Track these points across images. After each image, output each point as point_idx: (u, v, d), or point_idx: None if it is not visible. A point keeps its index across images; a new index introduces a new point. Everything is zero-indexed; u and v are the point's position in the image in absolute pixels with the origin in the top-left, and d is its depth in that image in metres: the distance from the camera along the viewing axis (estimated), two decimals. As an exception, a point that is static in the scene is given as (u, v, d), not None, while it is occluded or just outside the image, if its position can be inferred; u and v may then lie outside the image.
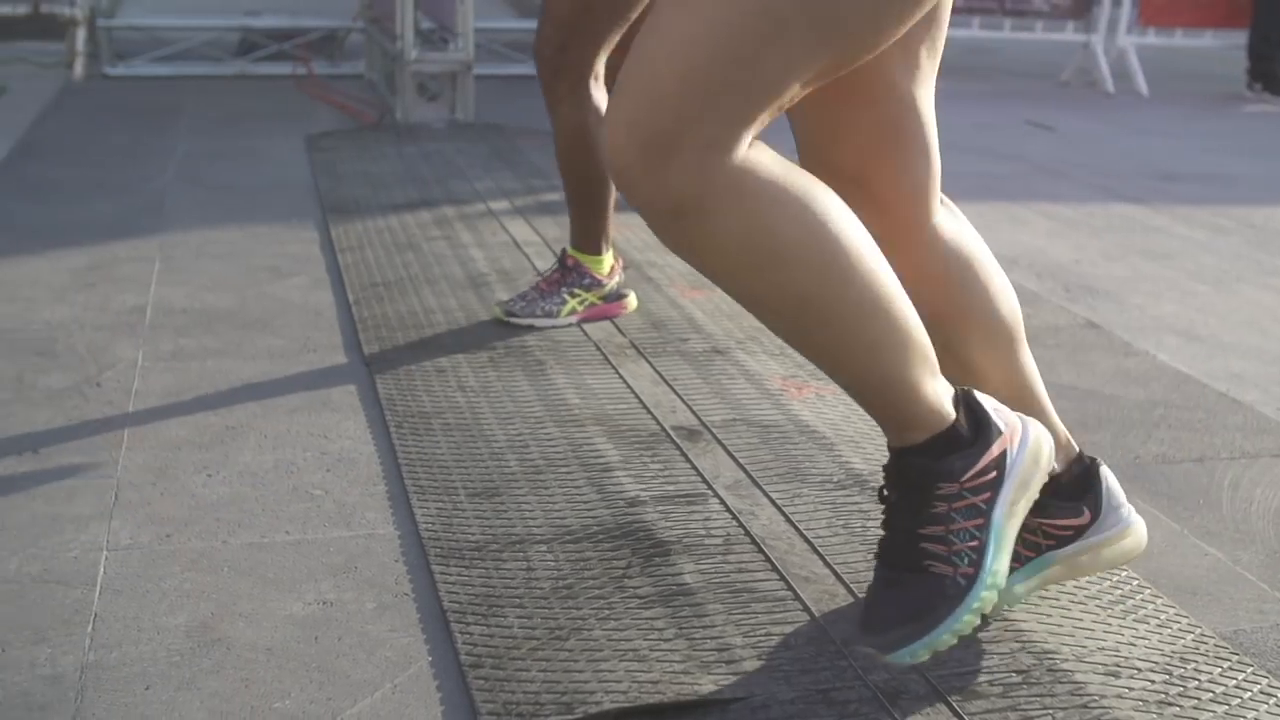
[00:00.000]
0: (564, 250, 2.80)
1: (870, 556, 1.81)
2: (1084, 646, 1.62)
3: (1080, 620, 1.68)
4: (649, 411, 2.32)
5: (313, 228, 3.52)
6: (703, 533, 1.88)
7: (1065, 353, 2.78)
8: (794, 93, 1.29)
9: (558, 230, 3.46)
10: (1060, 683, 1.54)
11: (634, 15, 2.54)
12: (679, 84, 1.24)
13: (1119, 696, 1.52)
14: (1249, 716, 1.50)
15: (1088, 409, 2.46)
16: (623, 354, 2.61)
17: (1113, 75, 7.20)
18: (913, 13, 1.31)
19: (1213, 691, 1.54)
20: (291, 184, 4.03)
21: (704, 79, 1.24)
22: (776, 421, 2.30)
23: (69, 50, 5.98)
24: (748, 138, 1.28)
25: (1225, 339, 2.93)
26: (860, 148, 1.51)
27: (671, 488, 2.02)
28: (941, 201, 1.60)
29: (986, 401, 1.52)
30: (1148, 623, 1.69)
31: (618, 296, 2.81)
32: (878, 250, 1.39)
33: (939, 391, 1.46)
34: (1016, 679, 1.55)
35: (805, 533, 1.89)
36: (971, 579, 1.45)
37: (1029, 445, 1.53)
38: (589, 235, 2.76)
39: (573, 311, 2.75)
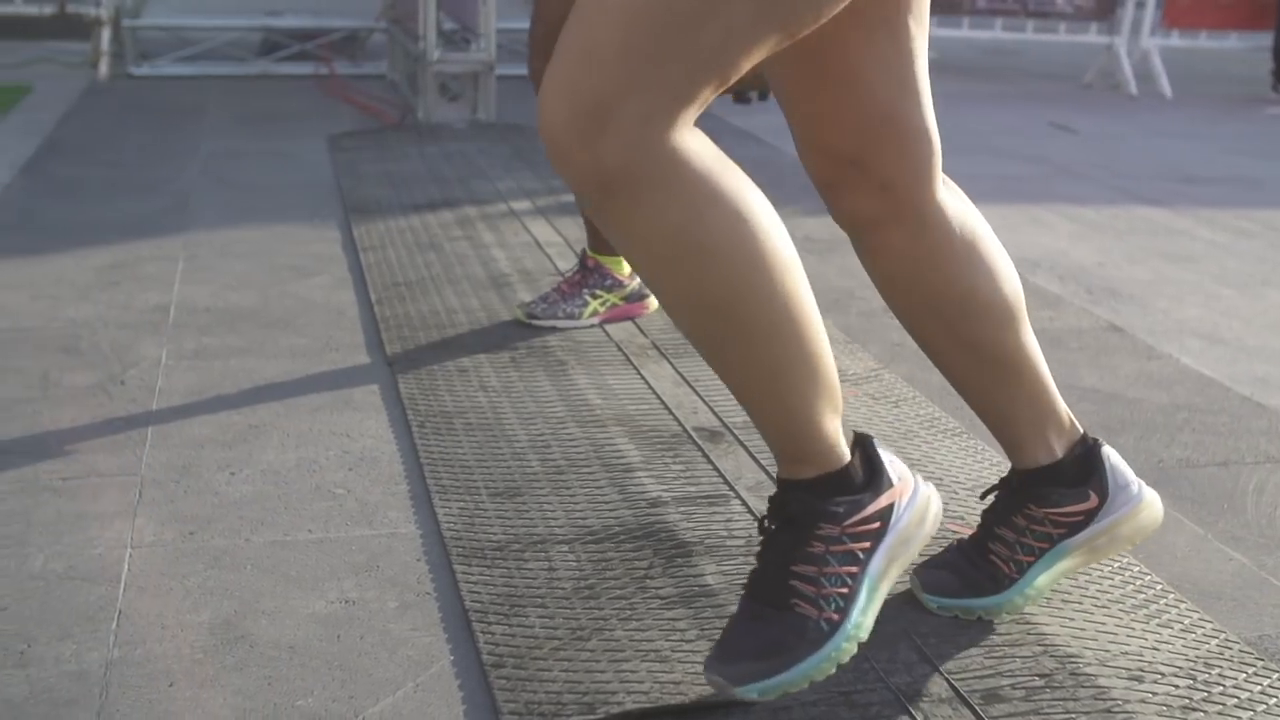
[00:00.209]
0: (584, 251, 2.80)
1: (892, 559, 1.81)
2: (1107, 651, 1.61)
3: (1103, 624, 1.67)
4: (671, 412, 2.32)
5: (335, 227, 3.53)
6: (724, 534, 1.88)
7: (1088, 355, 2.77)
8: (737, 65, 1.25)
9: (579, 231, 3.46)
10: (1083, 687, 1.54)
11: None
12: (618, 50, 1.20)
13: (1142, 701, 1.52)
14: (1274, 722, 1.50)
15: (1111, 412, 2.45)
16: (644, 355, 2.61)
17: (1136, 77, 7.17)
18: None
19: (1237, 697, 1.53)
20: (314, 184, 4.05)
21: (644, 45, 1.20)
22: (798, 423, 2.29)
23: (94, 50, 6.01)
24: (688, 117, 1.24)
25: (1249, 342, 2.92)
26: (857, 129, 1.47)
27: (693, 489, 2.02)
28: (944, 181, 1.57)
29: (884, 452, 1.50)
30: (1171, 627, 1.68)
31: (639, 296, 2.81)
32: (803, 275, 1.36)
33: (837, 431, 1.44)
34: (1039, 683, 1.54)
35: (827, 535, 1.88)
36: (835, 626, 1.43)
37: (917, 503, 1.51)
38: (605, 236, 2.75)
39: (594, 313, 2.76)
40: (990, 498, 1.72)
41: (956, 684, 1.53)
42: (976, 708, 1.49)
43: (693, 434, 2.23)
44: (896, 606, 1.69)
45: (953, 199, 1.58)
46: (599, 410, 2.32)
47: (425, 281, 3.03)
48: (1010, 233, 3.82)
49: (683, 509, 1.95)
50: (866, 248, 1.58)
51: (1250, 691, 1.55)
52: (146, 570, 1.75)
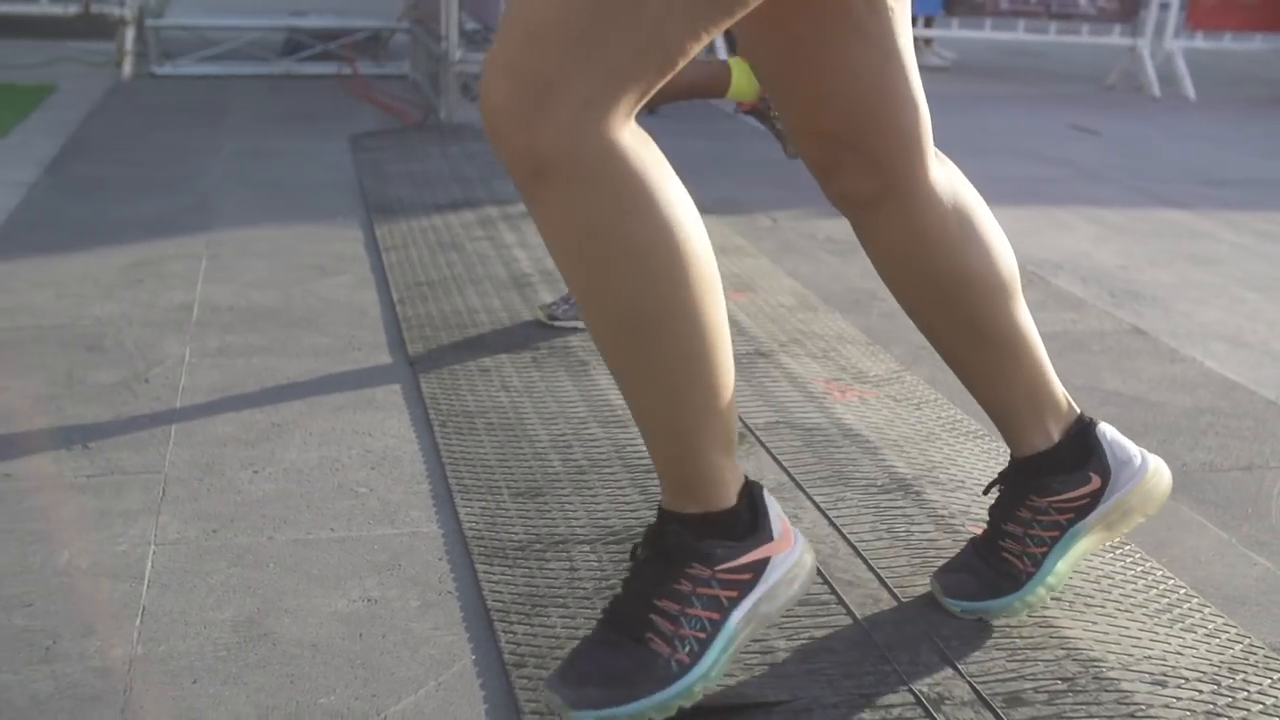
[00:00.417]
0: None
1: (914, 561, 1.81)
2: (1130, 655, 1.61)
3: (1126, 629, 1.67)
4: (692, 413, 2.31)
5: (357, 227, 3.54)
6: (746, 535, 1.88)
7: (1111, 359, 2.76)
8: (682, 46, 1.23)
9: (600, 231, 3.46)
10: (1106, 691, 1.53)
11: None
12: (557, 29, 1.19)
13: (1166, 707, 1.51)
14: (1299, 728, 1.49)
15: (1133, 415, 2.44)
16: (665, 355, 2.61)
17: (1159, 79, 7.14)
18: None
19: (1262, 703, 1.53)
20: (336, 183, 4.06)
21: (584, 24, 1.19)
22: (820, 424, 2.29)
23: (118, 50, 6.04)
24: (629, 105, 1.23)
25: (1274, 346, 2.90)
26: (845, 106, 1.46)
27: (714, 490, 2.02)
28: (936, 155, 1.56)
29: (772, 505, 1.47)
30: (1195, 632, 1.67)
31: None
32: (722, 304, 1.34)
33: (727, 471, 1.41)
34: (1062, 686, 1.53)
35: (849, 536, 1.88)
36: (685, 668, 1.39)
37: (791, 561, 1.48)
38: None
39: (616, 312, 2.75)
40: (994, 494, 1.71)
41: (979, 687, 1.52)
42: (999, 711, 1.48)
43: (714, 435, 2.22)
44: (918, 609, 1.69)
45: (946, 175, 1.56)
46: (621, 410, 2.32)
47: (447, 281, 3.03)
48: (1032, 235, 3.81)
49: (704, 510, 1.95)
50: (863, 226, 1.57)
51: (1275, 698, 1.54)
52: (170, 567, 1.76)
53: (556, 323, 2.74)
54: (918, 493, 2.03)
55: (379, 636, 1.62)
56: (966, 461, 2.16)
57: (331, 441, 2.18)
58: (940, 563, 1.73)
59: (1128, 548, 1.88)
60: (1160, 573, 1.82)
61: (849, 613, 1.68)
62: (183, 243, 3.30)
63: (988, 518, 1.70)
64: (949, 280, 1.56)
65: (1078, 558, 1.66)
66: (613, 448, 2.16)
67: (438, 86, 5.39)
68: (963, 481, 2.08)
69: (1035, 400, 1.64)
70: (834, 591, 1.73)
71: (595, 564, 1.78)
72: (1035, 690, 1.53)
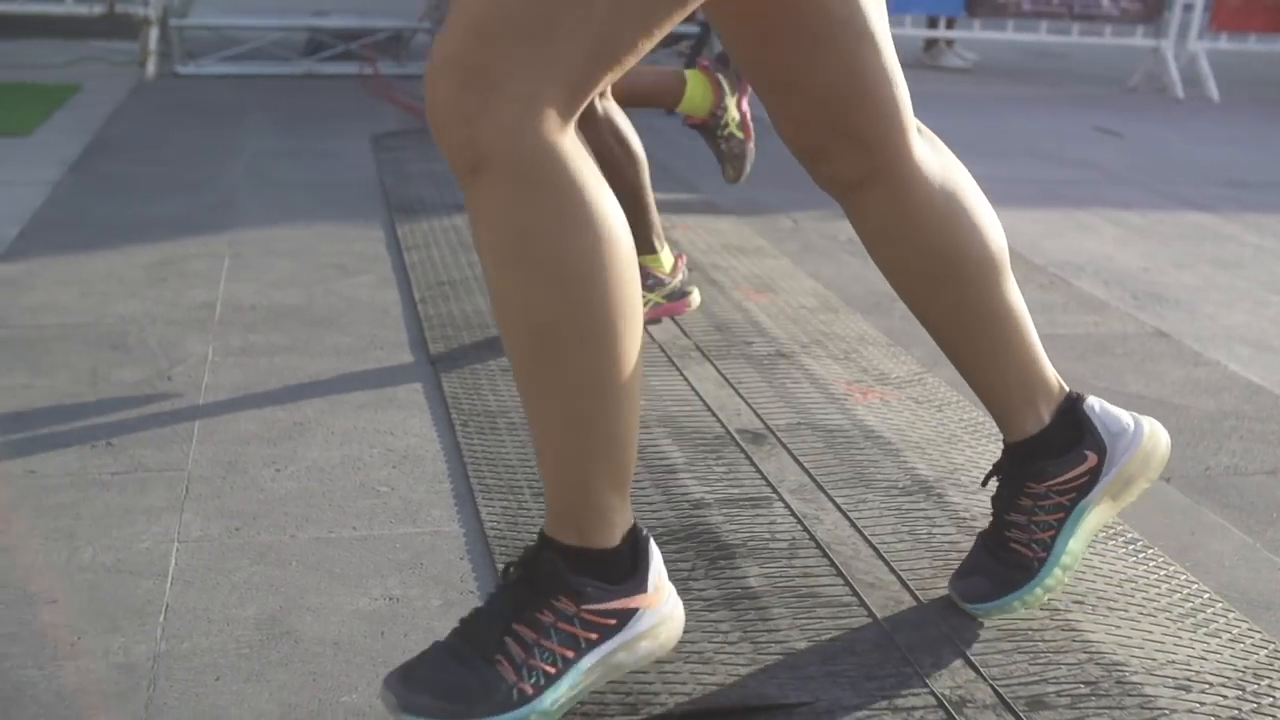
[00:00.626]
0: (624, 253, 2.79)
1: (936, 563, 1.80)
2: (1153, 659, 1.60)
3: (1150, 633, 1.66)
4: (713, 414, 2.32)
5: (379, 226, 3.55)
6: (767, 536, 1.88)
7: (1134, 361, 2.75)
8: (632, 44, 1.21)
9: (622, 232, 3.46)
10: (1129, 695, 1.52)
11: None
12: (503, 23, 1.17)
13: (1190, 711, 1.50)
14: (1324, 734, 1.48)
15: (1156, 418, 2.42)
16: (687, 356, 2.61)
17: (1182, 80, 7.11)
18: None
19: (1286, 708, 1.52)
20: (358, 183, 4.07)
21: (532, 19, 1.17)
22: (841, 426, 2.29)
23: (142, 49, 6.07)
24: (573, 106, 1.21)
25: (1299, 350, 2.89)
26: (825, 92, 1.45)
27: (736, 491, 2.02)
28: (920, 131, 1.55)
29: (655, 557, 1.43)
30: (1219, 637, 1.66)
31: (681, 295, 2.80)
32: (639, 335, 1.31)
33: (615, 510, 1.37)
34: (1085, 690, 1.53)
35: (870, 538, 1.88)
36: (525, 699, 1.35)
37: (660, 617, 1.43)
38: (639, 237, 2.74)
39: (637, 313, 2.75)
40: (993, 486, 1.70)
41: (1001, 690, 1.52)
42: (1021, 715, 1.48)
43: (736, 436, 2.23)
44: (940, 611, 1.69)
45: (932, 153, 1.55)
46: (642, 411, 2.32)
47: (469, 281, 3.04)
48: (1054, 237, 3.79)
49: (725, 511, 1.95)
50: (853, 208, 1.56)
51: (1300, 703, 1.53)
52: (193, 565, 1.76)
53: (578, 323, 2.73)
54: (939, 495, 2.02)
55: (401, 635, 1.62)
56: (988, 464, 2.15)
57: (353, 440, 2.18)
58: (951, 570, 1.73)
59: (1151, 551, 1.88)
60: (1184, 577, 1.81)
61: (871, 615, 1.68)
62: (206, 241, 3.31)
63: (992, 509, 1.69)
64: (939, 258, 1.55)
65: (1089, 534, 1.65)
66: (634, 448, 2.16)
67: (459, 87, 5.39)
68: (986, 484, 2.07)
69: (1026, 381, 1.62)
70: (855, 593, 1.73)
71: (616, 564, 1.78)
72: (1058, 694, 1.52)
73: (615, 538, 1.38)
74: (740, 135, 2.95)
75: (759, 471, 2.09)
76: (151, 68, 6.01)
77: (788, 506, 1.97)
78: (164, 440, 2.15)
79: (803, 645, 1.60)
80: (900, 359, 2.65)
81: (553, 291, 1.25)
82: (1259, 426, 2.42)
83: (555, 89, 1.19)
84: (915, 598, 1.72)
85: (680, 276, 2.79)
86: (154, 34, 6.07)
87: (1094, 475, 1.63)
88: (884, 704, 1.49)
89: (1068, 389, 1.66)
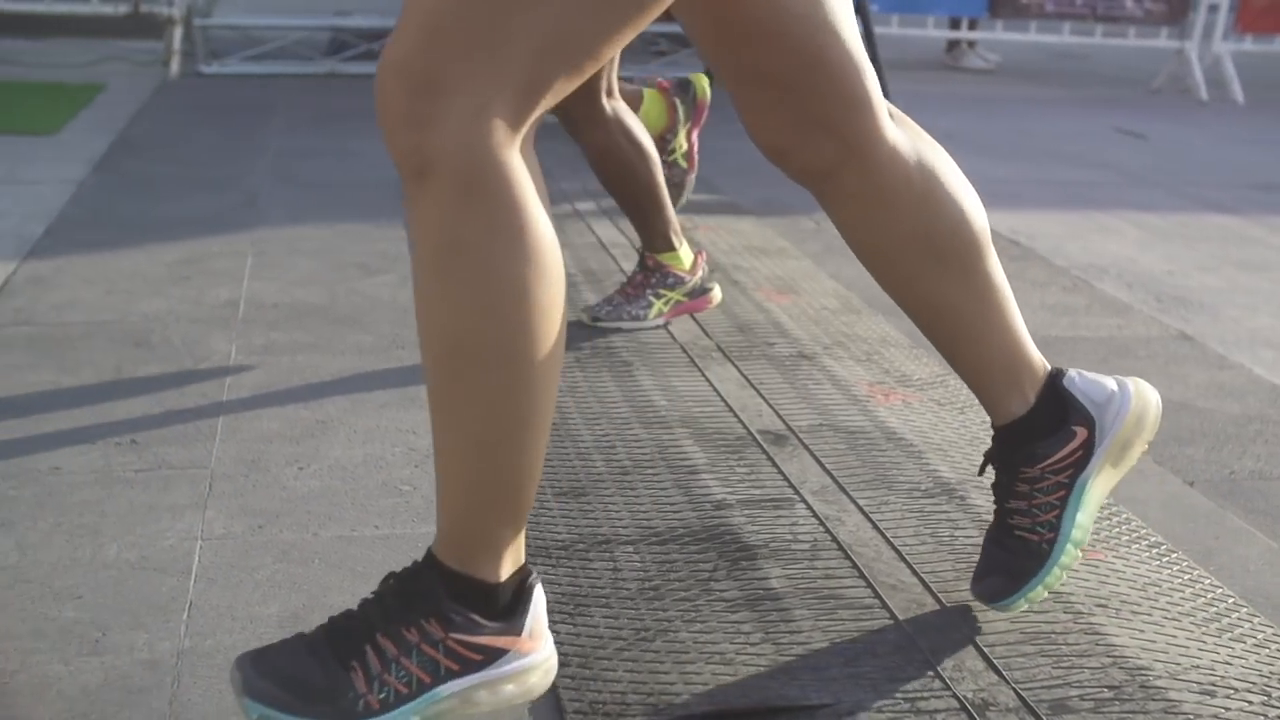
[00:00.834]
0: (641, 251, 2.79)
1: (959, 566, 1.80)
2: (1178, 664, 1.59)
3: (1174, 637, 1.65)
4: (735, 415, 2.32)
5: (401, 226, 3.56)
6: (789, 538, 1.88)
7: (1158, 364, 2.74)
8: (589, 50, 1.18)
9: (643, 232, 3.46)
10: (1153, 700, 1.52)
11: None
12: (453, 26, 1.13)
13: (1214, 717, 1.49)
14: (1350, 741, 1.47)
15: (1181, 422, 2.42)
16: (709, 357, 2.61)
17: (1206, 82, 7.07)
18: None
19: (1312, 714, 1.51)
20: (380, 182, 4.08)
21: (484, 21, 1.13)
22: (863, 427, 2.28)
23: (166, 49, 6.10)
24: (523, 118, 1.18)
25: (1324, 354, 2.87)
26: (787, 80, 1.44)
27: (758, 492, 2.02)
28: (891, 115, 1.53)
29: (538, 603, 1.37)
30: (1244, 642, 1.65)
31: (702, 291, 2.80)
32: (558, 368, 1.28)
33: (505, 545, 1.33)
34: (1108, 694, 1.52)
35: (892, 540, 1.87)
36: (370, 713, 1.31)
37: (528, 664, 1.36)
38: (656, 235, 2.74)
39: (659, 313, 2.76)
40: (989, 475, 1.69)
41: (1024, 693, 1.51)
42: (1044, 718, 1.47)
43: (757, 437, 2.22)
44: (962, 613, 1.68)
45: (905, 137, 1.53)
46: (664, 412, 2.32)
47: (490, 281, 3.04)
48: (1077, 239, 3.78)
49: (747, 512, 1.95)
50: (827, 196, 1.55)
51: (1325, 709, 1.52)
52: (216, 562, 1.77)
53: (600, 323, 2.74)
54: (961, 497, 2.02)
55: (423, 634, 1.62)
56: (1011, 466, 2.15)
57: (376, 439, 2.19)
58: (968, 575, 1.72)
59: (1175, 555, 1.87)
60: (1208, 581, 1.80)
61: (892, 617, 1.67)
62: (229, 240, 3.33)
63: (994, 498, 1.68)
64: (914, 243, 1.53)
65: (1095, 504, 1.63)
66: (656, 449, 2.16)
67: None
68: (1007, 486, 2.06)
69: (1011, 363, 1.60)
70: (877, 595, 1.72)
71: (638, 564, 1.78)
72: (1081, 698, 1.51)
73: (500, 574, 1.34)
74: (684, 165, 2.97)
75: (781, 473, 2.09)
76: (175, 67, 6.04)
77: (809, 508, 1.97)
78: (187, 438, 2.16)
79: (824, 647, 1.60)
80: (922, 361, 2.64)
81: (476, 307, 1.22)
82: (1284, 430, 2.40)
83: (506, 96, 1.16)
84: (938, 600, 1.72)
85: (700, 273, 2.79)
86: (178, 33, 6.10)
87: (1087, 448, 1.61)
88: (906, 706, 1.48)
89: (1049, 368, 1.64)
